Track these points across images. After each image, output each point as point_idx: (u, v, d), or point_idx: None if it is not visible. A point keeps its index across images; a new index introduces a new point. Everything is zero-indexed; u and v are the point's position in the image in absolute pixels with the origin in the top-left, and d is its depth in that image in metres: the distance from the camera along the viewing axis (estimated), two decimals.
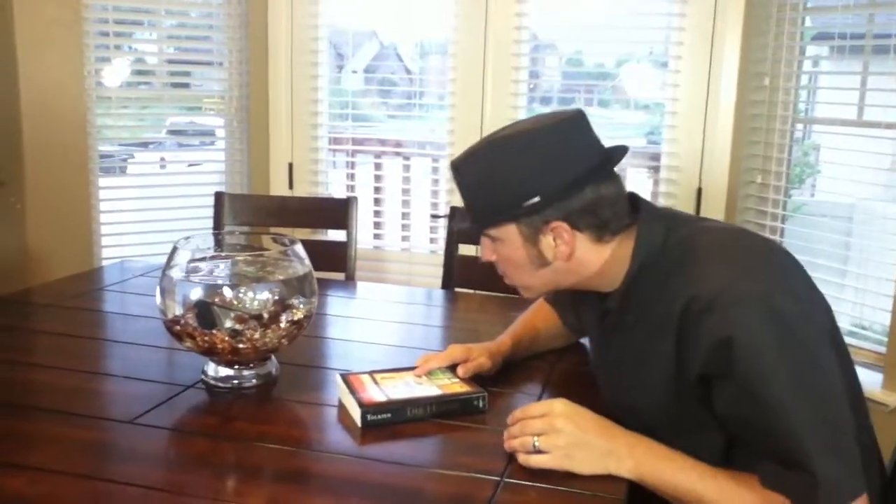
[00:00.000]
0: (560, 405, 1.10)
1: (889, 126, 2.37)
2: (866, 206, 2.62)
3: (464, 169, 1.22)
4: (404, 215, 3.18)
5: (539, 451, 1.08)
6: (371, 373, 1.35)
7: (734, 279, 1.04)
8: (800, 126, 2.71)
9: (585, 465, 1.06)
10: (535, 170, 1.13)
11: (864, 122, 2.54)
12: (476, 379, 1.35)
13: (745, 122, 2.68)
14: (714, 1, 2.64)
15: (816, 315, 1.07)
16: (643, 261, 1.15)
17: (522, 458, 1.09)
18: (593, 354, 1.38)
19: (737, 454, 1.08)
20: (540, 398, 1.35)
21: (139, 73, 3.21)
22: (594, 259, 1.17)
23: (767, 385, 0.99)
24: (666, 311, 1.09)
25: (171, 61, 3.15)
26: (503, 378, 1.46)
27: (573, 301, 1.43)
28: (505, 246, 1.20)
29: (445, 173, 3.01)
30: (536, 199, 1.13)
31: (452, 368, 1.38)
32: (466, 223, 1.24)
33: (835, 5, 2.52)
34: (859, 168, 2.49)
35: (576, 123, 1.16)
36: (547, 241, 1.16)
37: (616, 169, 1.18)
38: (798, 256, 1.14)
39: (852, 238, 2.59)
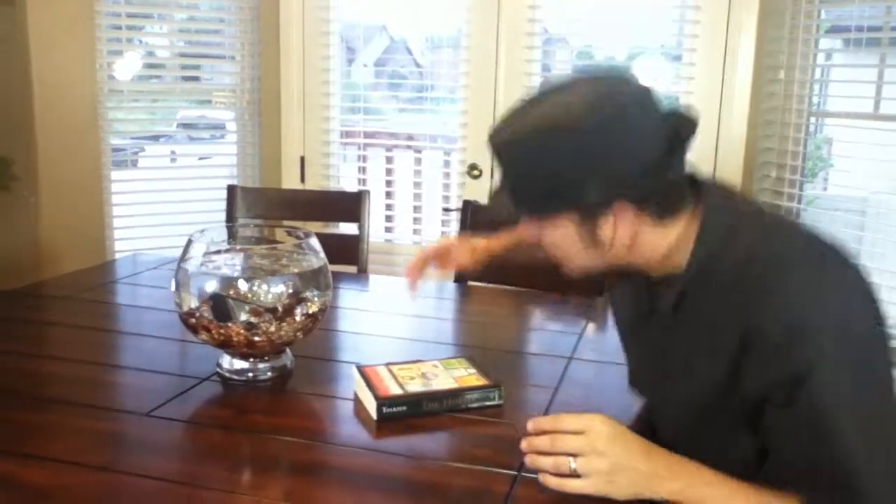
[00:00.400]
0: (601, 424, 1.00)
1: None
2: (880, 200, 2.60)
3: (510, 151, 1.03)
4: (416, 208, 3.18)
5: (574, 474, 0.98)
6: (387, 365, 1.35)
7: (810, 304, 0.94)
8: (814, 119, 2.69)
9: (626, 490, 0.98)
10: (599, 157, 0.98)
11: (881, 116, 2.52)
12: (491, 373, 1.34)
13: (759, 115, 2.66)
14: None
15: (885, 328, 0.99)
16: (706, 254, 1.03)
17: (555, 482, 0.99)
18: (624, 325, 1.26)
19: (773, 469, 1.01)
20: (555, 392, 1.34)
21: (150, 66, 3.21)
22: (657, 242, 1.04)
23: (835, 421, 0.92)
24: (730, 322, 0.99)
25: (182, 55, 3.14)
26: (519, 371, 1.45)
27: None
28: (555, 230, 1.05)
29: (457, 167, 3.00)
30: (598, 188, 0.98)
31: (471, 360, 1.38)
32: (504, 207, 1.06)
33: None
34: (874, 161, 2.47)
35: (645, 101, 1.01)
36: (607, 228, 1.01)
37: None
38: None
39: (865, 232, 2.57)
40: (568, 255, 1.08)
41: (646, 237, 1.03)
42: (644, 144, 0.99)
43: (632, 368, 1.23)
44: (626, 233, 1.02)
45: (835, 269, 0.99)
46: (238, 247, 1.44)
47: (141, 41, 3.23)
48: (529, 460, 1.02)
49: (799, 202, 2.60)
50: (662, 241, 1.04)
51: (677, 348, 1.09)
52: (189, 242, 1.36)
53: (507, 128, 1.03)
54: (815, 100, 2.69)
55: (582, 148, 0.98)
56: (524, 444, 1.03)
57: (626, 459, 0.98)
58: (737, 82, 2.65)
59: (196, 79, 3.26)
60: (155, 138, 3.51)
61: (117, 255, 2.88)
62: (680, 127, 1.02)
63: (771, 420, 0.97)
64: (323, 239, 1.42)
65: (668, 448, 1.05)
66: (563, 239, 1.05)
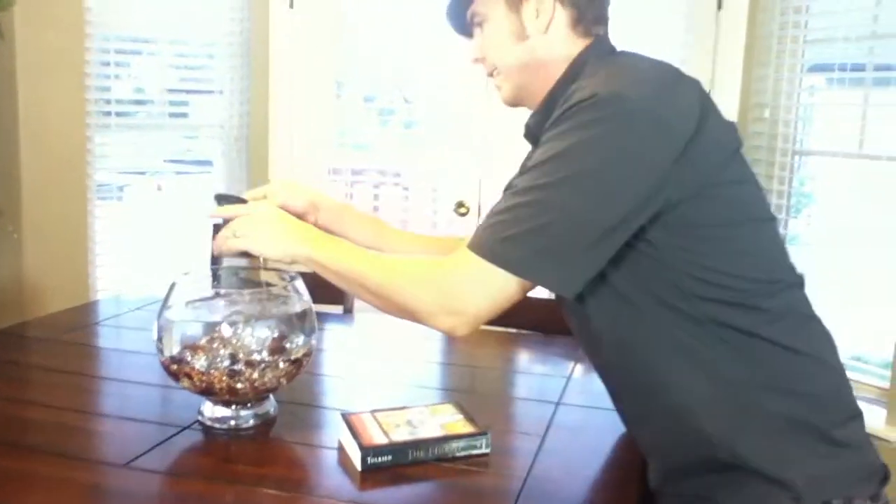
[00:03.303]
0: (264, 208, 1.29)
1: (890, 159, 2.37)
2: (865, 237, 2.62)
3: None
4: None
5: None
6: (373, 412, 1.33)
7: (615, 79, 1.07)
8: (799, 157, 2.71)
9: (268, 246, 1.24)
10: None
11: (865, 155, 2.54)
12: (479, 419, 1.32)
13: (746, 153, 2.68)
14: (714, 33, 2.65)
15: (679, 124, 1.04)
16: (570, 75, 1.18)
17: (220, 244, 1.29)
18: None
19: None
20: (543, 439, 1.33)
21: (139, 102, 3.20)
22: (563, 48, 1.21)
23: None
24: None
25: (171, 90, 3.14)
26: (506, 416, 1.44)
27: None
28: (489, 24, 1.24)
29: (445, 203, 3.00)
30: None
31: (458, 405, 1.36)
32: (455, 25, 1.32)
33: (835, 37, 2.53)
34: (859, 199, 2.49)
35: None
36: (529, 10, 1.20)
37: None
38: None
39: (850, 269, 2.58)
40: (499, 50, 1.24)
41: (557, 35, 1.20)
42: None
43: None
44: (545, 19, 1.19)
45: (671, 71, 1.12)
46: (222, 291, 1.42)
47: (130, 72, 3.22)
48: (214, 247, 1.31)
49: (785, 241, 2.61)
50: (565, 49, 1.20)
51: None
52: (172, 286, 1.34)
53: None
54: (800, 138, 2.71)
55: None
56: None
57: (269, 224, 1.25)
58: None
59: (185, 115, 3.25)
60: (142, 173, 3.49)
61: (101, 292, 2.85)
62: None
63: None
64: (308, 277, 1.41)
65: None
66: (496, 29, 1.23)
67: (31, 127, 2.69)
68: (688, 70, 2.64)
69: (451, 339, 2.03)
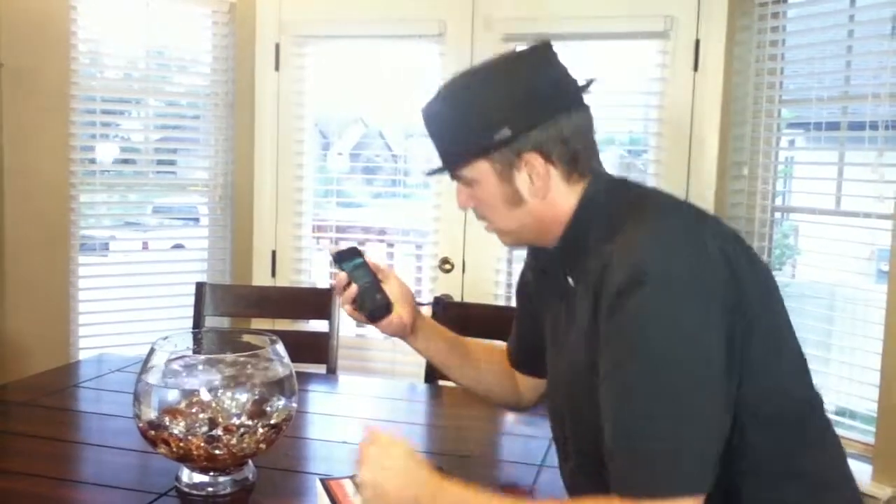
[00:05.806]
0: (398, 450, 1.13)
1: (866, 216, 2.41)
2: (847, 293, 2.64)
3: (431, 110, 1.17)
4: None
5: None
6: (353, 477, 1.31)
7: (650, 252, 1.00)
8: (779, 214, 2.75)
9: (385, 498, 1.10)
10: (502, 101, 1.10)
11: (842, 212, 2.58)
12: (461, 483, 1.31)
13: (725, 211, 2.71)
14: (692, 93, 2.70)
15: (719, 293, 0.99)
16: (582, 218, 1.13)
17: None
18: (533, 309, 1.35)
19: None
20: None
21: (125, 161, 3.23)
22: (565, 203, 1.13)
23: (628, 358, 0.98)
24: (590, 289, 1.06)
25: (157, 149, 3.16)
26: (488, 480, 1.42)
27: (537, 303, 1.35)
28: (481, 188, 1.15)
29: (429, 260, 3.01)
30: (507, 131, 1.09)
31: (438, 470, 1.34)
32: (435, 172, 1.20)
33: (809, 98, 2.59)
34: (839, 255, 2.52)
35: (541, 52, 1.14)
36: (522, 178, 1.12)
37: None
38: None
39: (834, 325, 2.60)
40: (495, 214, 1.17)
41: (556, 193, 1.13)
42: (545, 82, 1.12)
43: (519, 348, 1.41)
44: (541, 185, 1.11)
45: (697, 226, 1.05)
46: (202, 357, 1.41)
47: (117, 136, 3.25)
48: None
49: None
50: (567, 203, 1.13)
51: (569, 318, 1.15)
52: (151, 351, 1.33)
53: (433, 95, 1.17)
54: (780, 194, 2.75)
55: (486, 88, 1.11)
56: None
57: (386, 487, 1.10)
58: (702, 180, 2.70)
59: (172, 173, 3.27)
60: (128, 227, 3.50)
61: (83, 350, 2.83)
62: (577, 86, 1.14)
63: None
64: (292, 336, 1.41)
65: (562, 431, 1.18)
66: (488, 196, 1.15)
67: (16, 184, 2.70)
68: (666, 129, 2.64)
69: (436, 399, 2.02)
